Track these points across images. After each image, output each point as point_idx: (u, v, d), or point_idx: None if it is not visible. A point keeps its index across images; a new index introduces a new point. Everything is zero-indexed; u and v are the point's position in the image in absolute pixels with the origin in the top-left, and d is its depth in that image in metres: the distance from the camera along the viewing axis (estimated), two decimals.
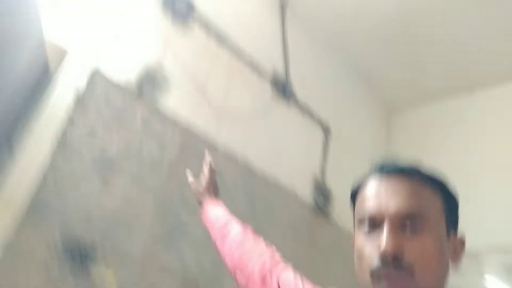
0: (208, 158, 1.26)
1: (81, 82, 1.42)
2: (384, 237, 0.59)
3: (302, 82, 2.40)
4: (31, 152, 1.28)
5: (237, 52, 2.02)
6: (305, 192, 2.24)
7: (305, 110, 2.38)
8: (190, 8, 1.84)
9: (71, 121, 1.35)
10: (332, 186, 2.43)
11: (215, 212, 1.12)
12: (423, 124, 3.00)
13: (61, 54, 1.44)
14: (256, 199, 1.93)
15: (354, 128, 2.77)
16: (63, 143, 1.32)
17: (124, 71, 1.55)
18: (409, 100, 3.06)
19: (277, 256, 0.94)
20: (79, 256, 1.31)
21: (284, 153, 2.18)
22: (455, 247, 0.65)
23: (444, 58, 2.67)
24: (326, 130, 2.50)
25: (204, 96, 1.80)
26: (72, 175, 1.33)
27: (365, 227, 0.63)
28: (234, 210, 1.75)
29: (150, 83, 1.62)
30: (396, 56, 2.70)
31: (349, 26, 2.54)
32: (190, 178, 1.24)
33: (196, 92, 1.77)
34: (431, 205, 0.63)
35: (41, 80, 1.36)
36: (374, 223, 0.62)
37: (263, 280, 0.88)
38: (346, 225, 2.40)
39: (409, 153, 2.96)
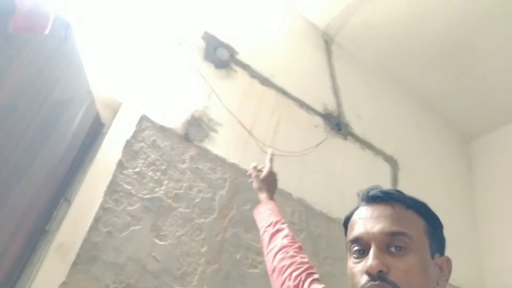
0: (269, 156, 1.37)
1: (131, 129, 1.49)
2: (370, 255, 0.64)
3: (358, 116, 2.32)
4: (84, 198, 1.33)
5: (283, 92, 2.02)
6: None
7: (365, 144, 2.26)
8: (232, 52, 1.91)
9: (120, 165, 1.40)
10: None
11: (270, 210, 1.20)
12: (504, 147, 2.70)
13: (115, 106, 1.54)
14: (318, 238, 1.80)
15: (426, 159, 2.56)
16: (112, 185, 1.37)
17: (171, 116, 1.61)
18: (484, 123, 2.79)
19: (315, 270, 0.98)
20: None
21: (347, 190, 2.05)
22: (440, 267, 0.68)
23: (510, 73, 2.43)
24: (392, 163, 2.34)
25: (251, 135, 1.79)
26: (122, 216, 1.35)
27: (355, 250, 0.68)
28: None
29: (196, 126, 1.65)
30: (457, 78, 2.52)
31: (398, 53, 2.45)
32: (252, 172, 1.35)
33: (243, 132, 1.77)
34: (414, 227, 0.67)
35: (93, 131, 1.46)
36: (362, 247, 0.67)
37: (296, 286, 0.92)
38: None
39: (493, 178, 2.66)
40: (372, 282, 0.62)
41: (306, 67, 2.21)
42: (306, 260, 1.01)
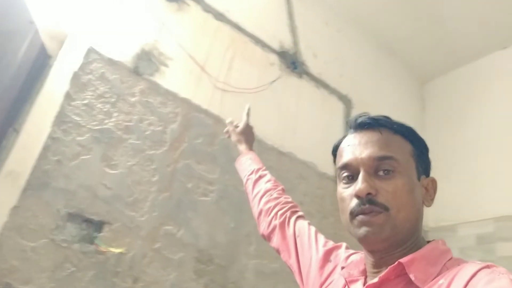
0: (246, 110, 1.38)
1: (78, 61, 1.49)
2: (359, 180, 0.66)
3: (315, 55, 2.35)
4: (32, 128, 1.35)
5: (238, 28, 2.02)
6: (326, 165, 2.17)
7: (320, 83, 2.31)
8: None
9: (67, 96, 1.42)
10: None
11: (250, 159, 1.22)
12: (458, 88, 2.82)
13: (62, 37, 1.52)
14: (269, 170, 1.89)
15: (381, 99, 2.65)
16: (60, 117, 1.39)
17: (120, 49, 1.60)
18: (439, 66, 2.89)
19: (299, 208, 1.03)
20: (84, 223, 1.36)
21: (299, 127, 2.13)
22: (426, 188, 0.71)
23: (466, 15, 2.48)
24: (346, 102, 2.42)
25: (204, 70, 1.81)
26: (71, 145, 1.38)
27: (344, 176, 0.70)
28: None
29: (146, 59, 1.66)
30: (418, 18, 2.56)
31: None
32: (229, 127, 1.35)
33: (195, 67, 1.79)
34: (401, 150, 0.69)
35: (39, 62, 1.45)
36: (351, 172, 0.69)
37: (282, 223, 0.97)
38: None
39: (446, 118, 2.79)
40: (361, 206, 0.65)
41: (263, 3, 2.20)
42: (290, 199, 1.05)
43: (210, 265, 1.58)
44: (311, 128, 2.18)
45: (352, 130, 0.74)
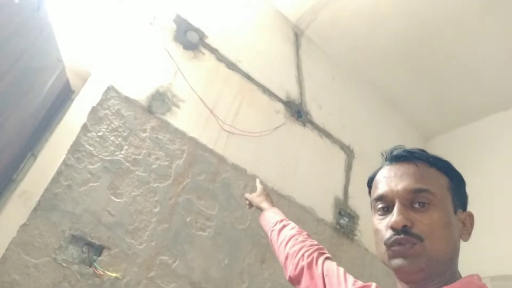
0: (257, 180, 1.44)
1: (98, 97, 1.64)
2: (394, 212, 0.67)
3: (320, 107, 2.49)
4: (49, 154, 1.48)
5: (248, 77, 2.18)
6: (325, 211, 2.23)
7: (323, 132, 2.43)
8: (202, 35, 2.06)
9: (84, 128, 1.56)
10: (357, 208, 2.39)
11: (274, 214, 1.23)
12: (460, 146, 2.89)
13: (85, 75, 1.70)
14: None
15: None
16: (76, 146, 1.52)
17: (137, 90, 1.76)
18: (443, 123, 2.98)
19: (326, 250, 1.04)
20: (85, 246, 1.45)
21: (300, 173, 2.22)
22: (463, 222, 0.70)
23: (470, 78, 2.61)
24: (348, 153, 2.51)
25: (213, 113, 1.95)
26: (82, 172, 1.50)
27: (379, 208, 0.71)
28: (244, 220, 1.83)
29: (160, 100, 1.81)
30: (422, 77, 2.69)
31: (364, 50, 2.62)
32: (248, 195, 1.40)
33: (205, 110, 1.93)
34: (437, 183, 0.69)
35: (62, 96, 1.61)
36: (386, 204, 0.70)
37: (310, 264, 0.97)
38: (372, 247, 2.32)
39: None
40: (396, 236, 0.65)
41: (273, 55, 2.37)
42: (316, 242, 1.06)
43: None
44: (311, 175, 2.26)
45: (387, 162, 0.76)
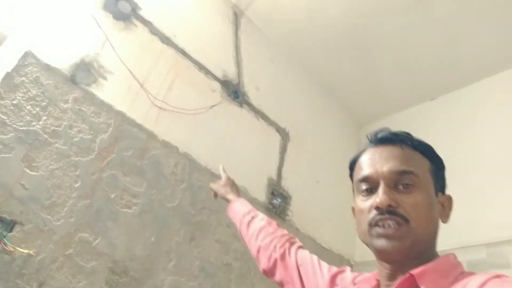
0: (221, 168, 1.48)
1: (13, 62, 1.51)
2: (379, 192, 0.68)
3: (257, 88, 2.48)
4: None
5: (183, 53, 2.12)
6: (258, 191, 2.24)
7: (259, 114, 2.43)
8: (135, 7, 1.97)
9: None
10: (290, 189, 2.42)
11: (241, 205, 1.23)
12: None
13: (1, 38, 1.56)
14: (199, 190, 1.94)
15: (318, 136, 2.80)
16: None
17: (59, 57, 1.64)
18: (376, 111, 3.10)
19: (297, 239, 1.06)
20: None
21: (235, 152, 2.20)
22: (443, 205, 0.73)
23: (402, 67, 2.72)
24: (284, 135, 2.54)
25: (143, 88, 1.87)
26: None
27: (363, 189, 0.72)
28: (173, 198, 1.78)
29: (85, 70, 1.71)
30: (356, 64, 2.77)
31: (304, 35, 2.64)
32: (213, 185, 1.41)
33: (135, 83, 1.85)
34: (421, 166, 0.71)
35: None
36: (371, 185, 0.71)
37: (283, 255, 0.99)
38: (303, 226, 2.37)
39: None
40: (381, 216, 0.66)
41: (211, 33, 2.32)
42: (286, 232, 1.08)
43: (124, 277, 1.57)
44: (246, 155, 2.26)
45: (372, 144, 0.77)
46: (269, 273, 1.01)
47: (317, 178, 2.64)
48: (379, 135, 0.76)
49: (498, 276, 0.56)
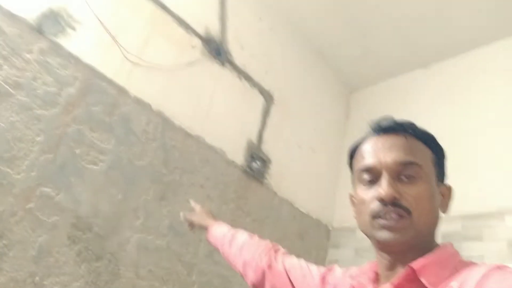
0: (192, 202, 1.44)
1: None
2: (382, 183, 0.67)
3: (242, 47, 2.39)
4: None
5: (163, 6, 2.02)
6: (236, 153, 2.21)
7: (243, 74, 2.35)
8: None
9: None
10: (270, 152, 2.39)
11: (220, 227, 1.21)
12: (381, 101, 2.95)
13: None
14: (172, 150, 1.91)
15: (305, 100, 2.73)
16: None
17: (24, 5, 1.56)
18: (366, 77, 3.01)
19: (281, 247, 1.06)
20: None
21: (213, 113, 2.15)
22: (443, 195, 0.73)
23: (396, 31, 2.61)
24: (268, 98, 2.47)
25: (116, 41, 1.80)
26: None
27: (365, 179, 0.71)
28: (143, 156, 1.75)
29: (52, 19, 1.63)
30: (347, 28, 2.65)
31: None
32: (187, 215, 1.38)
33: (106, 36, 1.77)
34: (424, 157, 0.71)
35: None
36: (373, 175, 0.70)
37: (269, 264, 0.98)
38: (281, 190, 2.36)
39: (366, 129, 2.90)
40: (385, 207, 0.66)
41: None
42: (268, 242, 1.07)
43: (87, 233, 1.56)
44: (225, 116, 2.21)
45: (374, 132, 0.75)
46: (259, 285, 0.99)
47: (300, 143, 2.60)
48: (382, 124, 0.74)
49: (499, 268, 0.56)
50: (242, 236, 1.12)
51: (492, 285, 0.52)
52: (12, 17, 1.52)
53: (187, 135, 1.98)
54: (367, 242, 2.36)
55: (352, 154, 0.79)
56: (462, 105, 2.46)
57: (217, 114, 2.17)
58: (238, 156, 2.21)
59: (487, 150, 2.19)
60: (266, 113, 2.44)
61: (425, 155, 0.71)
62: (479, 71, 2.46)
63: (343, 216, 2.65)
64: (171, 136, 1.92)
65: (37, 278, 1.41)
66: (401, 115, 2.50)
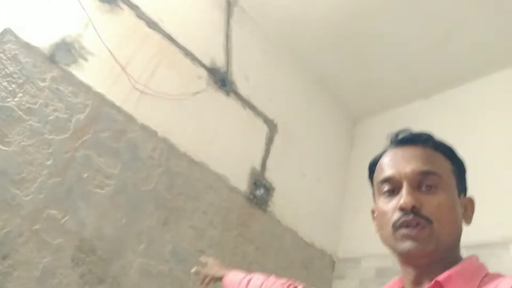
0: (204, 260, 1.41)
1: None
2: (403, 193, 0.66)
3: (246, 78, 2.47)
4: None
5: (170, 38, 2.12)
6: (240, 180, 2.24)
7: (247, 104, 2.42)
8: None
9: None
10: (273, 180, 2.42)
11: (234, 274, 1.23)
12: (385, 130, 2.97)
13: None
14: (177, 176, 1.95)
15: (308, 129, 2.78)
16: None
17: (40, 36, 1.66)
18: (370, 107, 3.07)
19: (298, 283, 1.06)
20: None
21: (218, 141, 2.21)
22: (465, 207, 0.72)
23: (398, 63, 2.69)
24: (271, 126, 2.53)
25: (124, 71, 1.88)
26: None
27: (385, 190, 0.71)
28: (148, 182, 1.79)
29: (65, 50, 1.72)
30: (349, 58, 2.74)
31: (298, 27, 2.62)
32: (200, 269, 1.37)
33: (116, 66, 1.86)
34: (443, 167, 0.70)
35: None
36: (393, 186, 0.70)
37: None
38: (285, 219, 2.37)
39: (369, 159, 2.93)
40: (406, 217, 0.65)
41: (201, 20, 2.32)
42: (285, 280, 1.09)
43: (91, 256, 1.59)
44: (229, 144, 2.26)
45: (393, 145, 0.76)
46: None
47: (304, 172, 2.63)
48: (400, 136, 0.75)
49: None
50: (258, 278, 1.13)
51: None
52: (28, 48, 1.62)
53: (192, 161, 2.03)
54: (371, 273, 2.34)
55: (372, 168, 0.79)
56: (465, 136, 2.48)
57: (222, 142, 2.22)
58: (242, 183, 2.25)
59: (490, 179, 2.20)
60: (269, 141, 2.49)
61: (444, 165, 0.71)
62: (480, 102, 2.50)
63: (348, 246, 2.64)
64: (176, 163, 1.97)
65: None
66: None
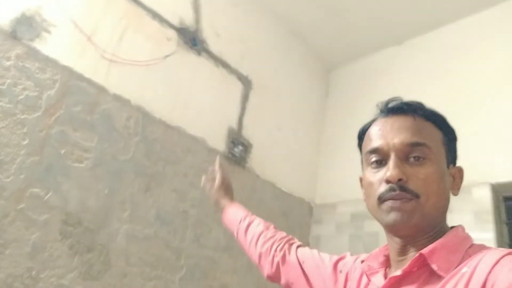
0: (217, 163, 1.39)
1: None
2: (390, 165, 0.66)
3: (217, 35, 2.43)
4: None
5: (135, 0, 2.05)
6: (218, 141, 2.29)
7: (220, 62, 2.41)
8: None
9: None
10: (251, 137, 2.47)
11: (235, 210, 1.21)
12: (358, 78, 3.03)
13: None
14: (154, 143, 1.99)
15: (283, 82, 2.80)
16: None
17: None
18: (343, 55, 3.08)
19: (296, 240, 1.07)
20: None
21: (192, 103, 2.22)
22: (454, 177, 0.72)
23: (370, 10, 2.66)
24: (246, 83, 2.54)
25: (91, 40, 1.84)
26: None
27: (373, 161, 0.70)
28: (126, 151, 1.83)
29: (26, 24, 1.67)
30: (322, 7, 2.69)
31: None
32: (207, 186, 1.36)
33: (82, 36, 1.82)
34: (433, 137, 0.69)
35: None
36: (381, 157, 0.69)
37: (283, 256, 1.00)
38: (263, 173, 2.46)
39: (346, 105, 3.00)
40: (391, 192, 0.65)
41: None
42: (284, 234, 1.08)
43: (78, 228, 1.67)
44: (204, 104, 2.28)
45: (382, 114, 0.74)
46: (274, 277, 1.01)
47: (280, 125, 2.69)
48: (390, 105, 0.74)
49: (511, 253, 0.56)
50: (258, 225, 1.12)
51: (505, 271, 0.52)
52: None
53: (168, 127, 2.06)
54: (347, 217, 2.51)
55: (361, 136, 0.78)
56: (436, 79, 2.54)
57: (196, 104, 2.24)
58: (219, 143, 2.31)
59: (458, 126, 2.30)
60: (245, 98, 2.51)
61: (434, 136, 0.70)
62: (452, 47, 2.53)
63: (324, 193, 2.78)
64: (152, 129, 2.00)
65: (33, 272, 1.52)
66: (376, 92, 2.59)
